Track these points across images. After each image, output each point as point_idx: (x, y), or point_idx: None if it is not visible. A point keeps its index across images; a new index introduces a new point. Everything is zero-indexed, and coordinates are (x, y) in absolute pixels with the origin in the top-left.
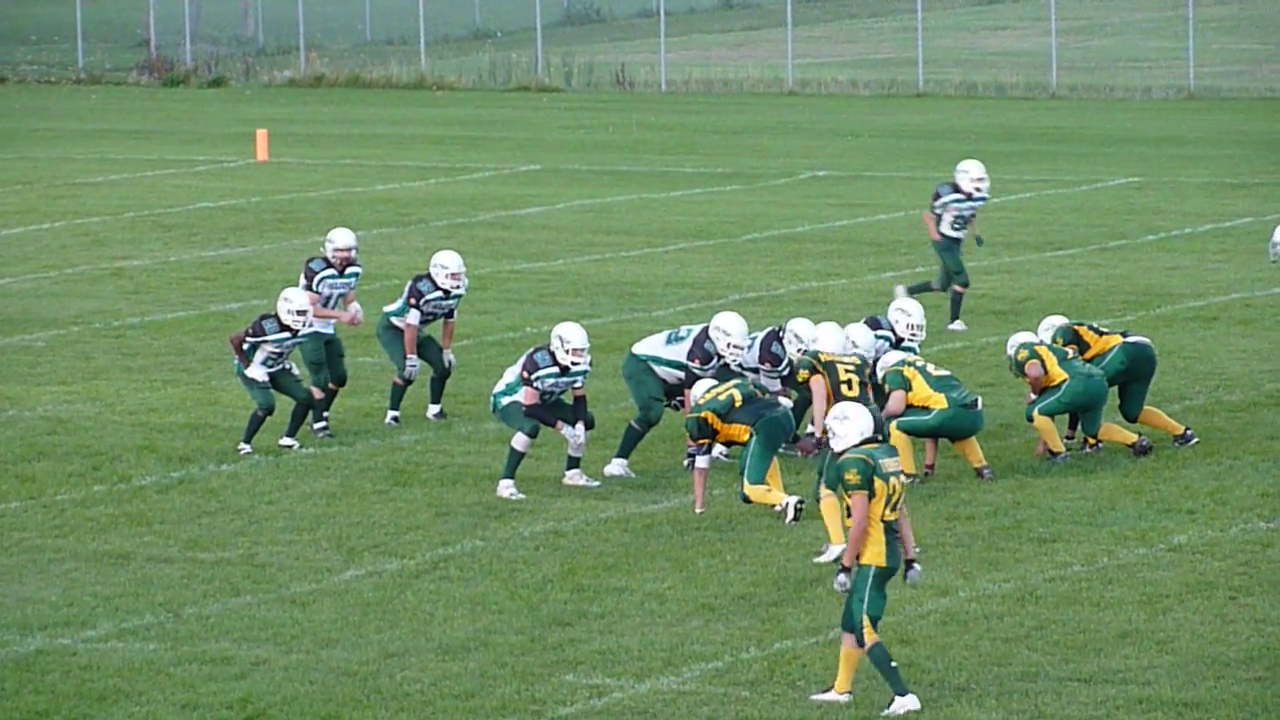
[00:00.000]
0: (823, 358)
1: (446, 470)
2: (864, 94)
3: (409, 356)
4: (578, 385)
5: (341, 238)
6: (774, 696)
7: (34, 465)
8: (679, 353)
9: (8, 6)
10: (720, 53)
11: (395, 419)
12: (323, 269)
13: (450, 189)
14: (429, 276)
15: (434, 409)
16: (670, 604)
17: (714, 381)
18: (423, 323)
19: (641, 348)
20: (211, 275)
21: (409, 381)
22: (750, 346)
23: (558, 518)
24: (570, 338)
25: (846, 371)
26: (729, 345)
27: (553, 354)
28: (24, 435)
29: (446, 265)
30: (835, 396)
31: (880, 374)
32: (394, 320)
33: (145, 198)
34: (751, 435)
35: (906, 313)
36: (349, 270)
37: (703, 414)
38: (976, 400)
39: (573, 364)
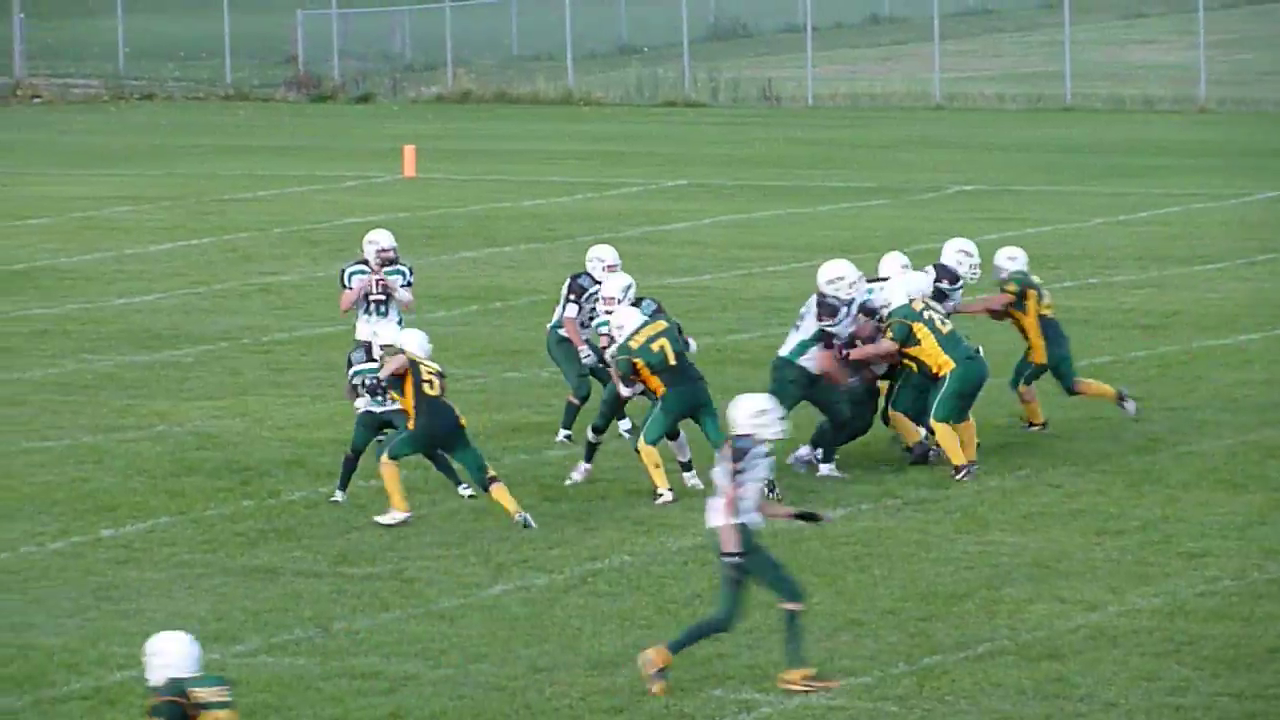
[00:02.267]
0: (408, 356)
1: (594, 485)
2: (1011, 108)
3: (579, 347)
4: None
5: (383, 238)
6: (923, 712)
7: (183, 480)
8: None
9: (156, 24)
10: (867, 67)
11: (568, 438)
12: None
13: (597, 204)
14: (587, 273)
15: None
16: (818, 619)
17: (643, 317)
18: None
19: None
20: None
21: (584, 399)
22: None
23: (706, 533)
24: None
25: (429, 373)
26: (604, 268)
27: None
28: (173, 451)
29: (604, 258)
30: (416, 396)
31: (886, 312)
32: (561, 332)
33: (293, 213)
34: (659, 399)
35: (969, 254)
36: (388, 269)
37: (635, 360)
38: (978, 349)
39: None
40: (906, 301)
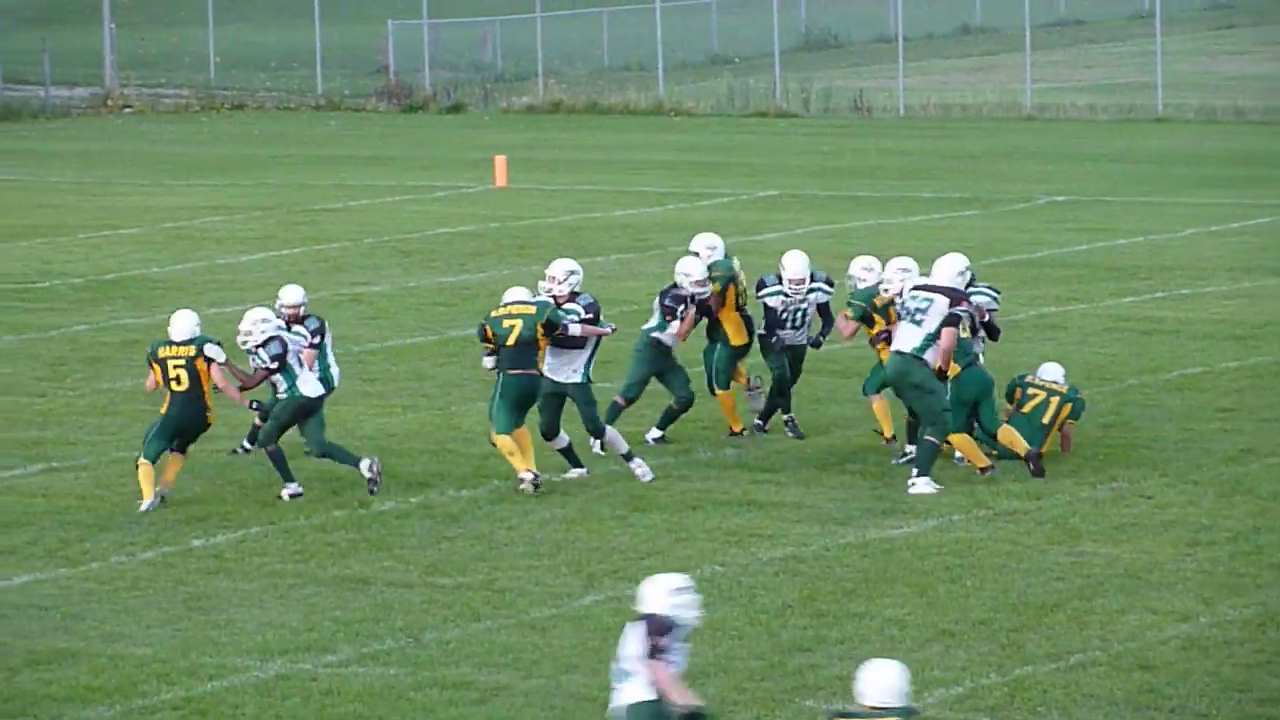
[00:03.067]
0: (161, 354)
1: (685, 495)
2: (1102, 118)
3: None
4: None
5: (286, 295)
6: None
7: (274, 490)
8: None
9: (247, 33)
10: (958, 77)
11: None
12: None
13: (688, 214)
14: (674, 285)
15: (656, 433)
16: (910, 629)
17: (522, 295)
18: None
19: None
20: (450, 301)
21: (630, 402)
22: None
23: (797, 543)
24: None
25: (175, 367)
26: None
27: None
28: (264, 460)
29: (690, 273)
30: (165, 385)
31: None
32: (656, 335)
33: (384, 223)
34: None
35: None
36: (295, 329)
37: (485, 326)
38: (977, 355)
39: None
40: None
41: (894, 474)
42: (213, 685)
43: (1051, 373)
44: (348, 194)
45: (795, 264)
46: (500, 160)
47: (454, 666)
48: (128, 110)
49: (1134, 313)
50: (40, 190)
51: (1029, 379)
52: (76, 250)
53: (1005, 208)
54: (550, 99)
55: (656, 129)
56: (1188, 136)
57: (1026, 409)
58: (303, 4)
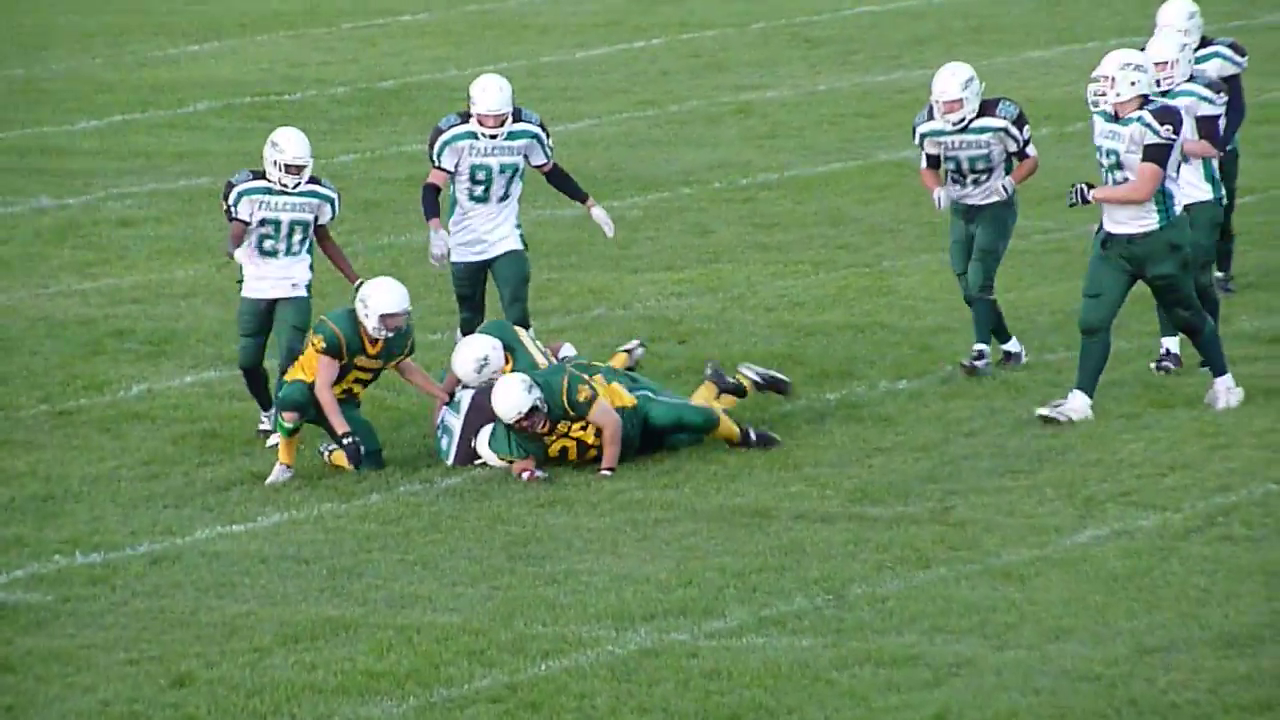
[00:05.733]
0: None
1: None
2: None
3: None
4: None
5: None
6: None
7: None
8: None
9: None
10: None
11: None
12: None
13: None
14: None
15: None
16: None
17: None
18: None
19: None
20: (879, 110)
21: None
22: None
23: None
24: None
25: None
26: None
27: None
28: (612, 343)
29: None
30: None
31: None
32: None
33: (781, 4)
34: None
35: None
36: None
37: None
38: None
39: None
40: None
41: None
42: (547, 666)
43: None
44: None
45: (943, 81)
46: None
47: (893, 635)
48: None
49: None
50: None
51: None
52: (338, 47)
53: None
54: None
55: None
56: None
57: None
58: None
